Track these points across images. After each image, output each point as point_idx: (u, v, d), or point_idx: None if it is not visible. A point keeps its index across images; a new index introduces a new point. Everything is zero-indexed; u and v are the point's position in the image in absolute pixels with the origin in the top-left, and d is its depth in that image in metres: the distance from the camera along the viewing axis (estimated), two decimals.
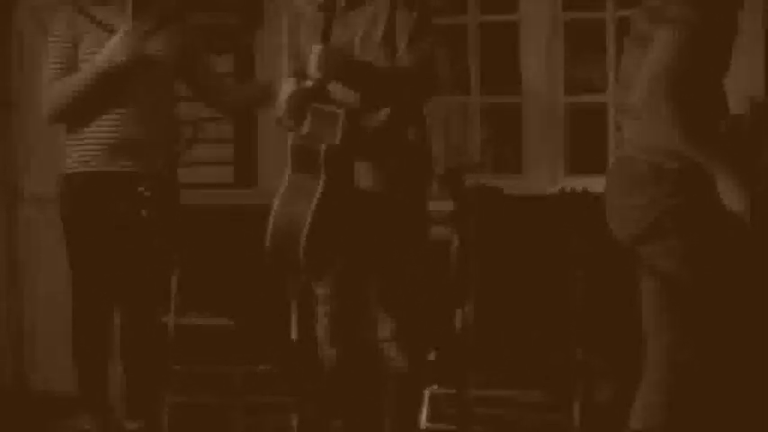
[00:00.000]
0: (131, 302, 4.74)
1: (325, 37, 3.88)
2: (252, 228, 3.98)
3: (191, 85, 4.89)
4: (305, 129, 3.90)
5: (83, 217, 4.70)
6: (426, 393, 5.02)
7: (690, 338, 3.51)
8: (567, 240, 5.10)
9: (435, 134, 5.44)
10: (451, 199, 5.13)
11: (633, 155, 3.55)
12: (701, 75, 3.46)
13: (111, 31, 4.65)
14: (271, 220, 3.88)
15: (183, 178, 4.84)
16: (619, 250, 3.65)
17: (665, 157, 3.47)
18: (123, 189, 4.66)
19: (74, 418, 5.12)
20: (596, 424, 4.93)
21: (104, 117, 4.66)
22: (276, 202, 3.90)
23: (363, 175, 4.01)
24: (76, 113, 4.69)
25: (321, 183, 3.86)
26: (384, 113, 3.99)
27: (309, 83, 3.91)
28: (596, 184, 4.83)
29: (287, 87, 4.01)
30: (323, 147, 3.86)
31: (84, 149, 4.69)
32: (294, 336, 5.16)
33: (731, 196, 3.42)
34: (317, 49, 3.86)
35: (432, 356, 4.99)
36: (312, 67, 3.87)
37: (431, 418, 5.09)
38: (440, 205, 4.94)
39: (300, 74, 4.01)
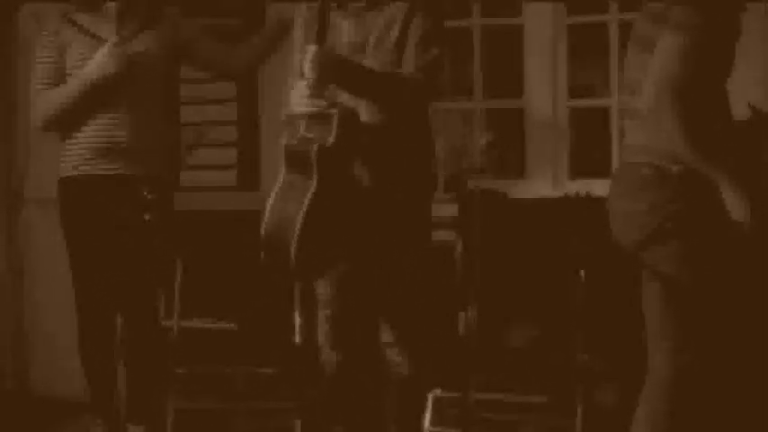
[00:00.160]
0: (133, 306, 4.74)
1: (320, 38, 3.88)
2: (255, 231, 3.96)
3: (197, 66, 4.90)
4: (300, 129, 3.90)
5: (81, 221, 4.70)
6: (430, 397, 5.03)
7: (692, 342, 3.51)
8: (570, 244, 5.09)
9: (438, 138, 5.44)
10: (455, 203, 5.13)
11: (637, 160, 3.55)
12: (706, 78, 3.46)
13: (97, 38, 4.65)
14: (263, 221, 3.88)
15: (185, 181, 4.84)
16: (622, 254, 3.65)
17: (669, 160, 3.47)
18: (121, 192, 4.66)
19: (82, 423, 5.13)
20: (599, 427, 4.92)
21: (97, 121, 4.67)
22: (269, 203, 3.90)
23: (363, 176, 4.01)
24: (67, 122, 4.70)
25: (314, 183, 3.86)
26: (382, 115, 3.99)
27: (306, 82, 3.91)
28: (600, 187, 4.84)
29: (300, 87, 3.97)
30: (314, 147, 3.86)
31: (77, 153, 4.70)
32: (297, 340, 5.15)
33: (733, 206, 3.43)
34: (311, 49, 3.87)
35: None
36: (306, 68, 3.88)
37: (434, 422, 5.09)
38: (444, 209, 4.94)
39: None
